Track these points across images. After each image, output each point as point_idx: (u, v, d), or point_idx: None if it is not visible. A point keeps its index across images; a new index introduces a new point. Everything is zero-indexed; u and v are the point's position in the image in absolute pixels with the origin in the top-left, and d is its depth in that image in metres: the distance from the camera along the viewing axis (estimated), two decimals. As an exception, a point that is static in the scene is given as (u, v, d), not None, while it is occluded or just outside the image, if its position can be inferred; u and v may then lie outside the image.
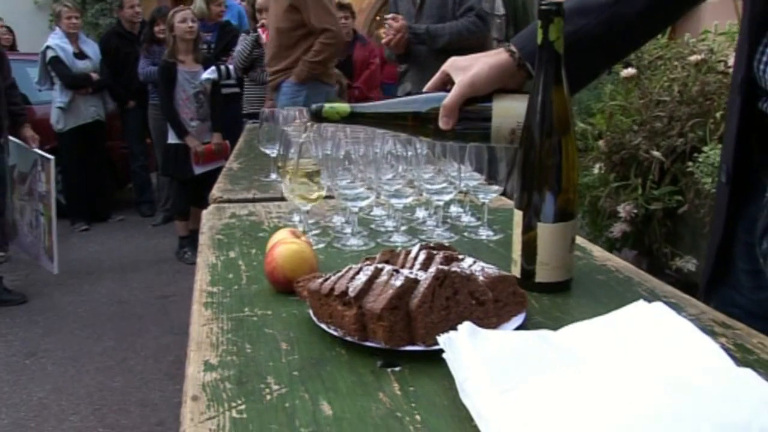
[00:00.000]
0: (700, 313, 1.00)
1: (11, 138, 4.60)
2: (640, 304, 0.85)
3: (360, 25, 12.05)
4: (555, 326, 0.94)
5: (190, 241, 5.23)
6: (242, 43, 5.02)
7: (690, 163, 3.19)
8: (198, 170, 4.95)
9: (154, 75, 5.50)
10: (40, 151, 4.58)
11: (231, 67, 5.41)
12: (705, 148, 3.11)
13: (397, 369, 0.83)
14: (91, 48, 6.41)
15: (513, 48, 1.17)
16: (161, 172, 5.78)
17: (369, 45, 6.48)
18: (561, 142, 1.05)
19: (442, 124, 1.14)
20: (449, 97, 1.14)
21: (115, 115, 6.59)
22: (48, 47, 5.99)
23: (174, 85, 4.93)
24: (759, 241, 1.10)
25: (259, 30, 4.90)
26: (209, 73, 5.04)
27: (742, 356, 0.87)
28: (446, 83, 1.18)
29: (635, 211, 3.46)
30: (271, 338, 0.92)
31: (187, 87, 4.94)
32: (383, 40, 4.01)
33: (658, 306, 0.84)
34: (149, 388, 3.20)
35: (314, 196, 1.36)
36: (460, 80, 1.14)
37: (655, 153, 3.36)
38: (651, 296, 1.07)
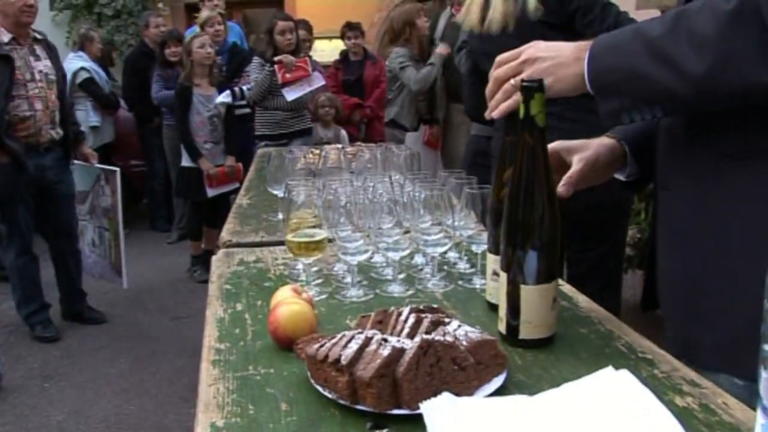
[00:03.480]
0: (672, 370, 1.08)
1: (75, 161, 4.58)
2: (608, 372, 0.93)
3: (372, 39, 12.14)
4: (535, 384, 1.03)
5: (203, 260, 5.34)
6: (258, 73, 5.10)
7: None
8: (211, 193, 5.05)
9: (168, 99, 5.63)
10: (102, 166, 4.62)
11: (245, 88, 5.50)
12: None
13: (385, 430, 0.91)
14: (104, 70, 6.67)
15: (617, 135, 1.33)
16: (175, 193, 5.88)
17: (379, 63, 6.51)
18: (544, 208, 1.13)
19: (562, 191, 1.23)
20: (574, 170, 1.26)
21: (125, 133, 6.77)
22: (82, 68, 6.23)
23: (189, 109, 5.03)
24: None
25: (276, 67, 4.98)
26: (224, 97, 5.13)
27: (705, 417, 0.94)
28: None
29: (638, 235, 3.52)
30: (272, 398, 1.01)
31: (202, 110, 5.04)
32: None
33: (624, 374, 0.91)
34: (164, 411, 3.30)
35: (317, 238, 1.45)
36: (584, 156, 1.25)
37: (658, 179, 3.42)
38: (628, 351, 1.15)
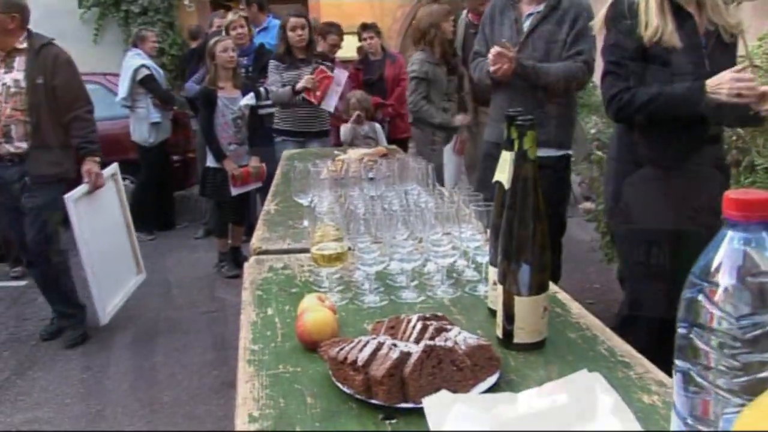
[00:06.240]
0: (645, 372, 1.24)
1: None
2: (583, 374, 1.09)
3: (395, 35, 12.24)
4: (523, 382, 1.21)
5: (229, 256, 5.55)
6: (275, 75, 5.25)
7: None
8: (235, 191, 5.22)
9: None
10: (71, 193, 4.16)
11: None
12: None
13: (394, 421, 1.09)
14: None
15: None
16: (200, 193, 6.05)
17: (398, 61, 6.60)
18: (535, 230, 1.30)
19: None
20: None
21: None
22: (143, 66, 6.50)
23: (214, 111, 5.20)
24: None
25: (304, 95, 5.19)
26: (248, 99, 5.29)
27: (666, 413, 1.10)
28: None
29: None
30: (299, 393, 1.19)
31: (226, 112, 5.20)
32: (492, 69, 3.32)
33: (596, 377, 1.08)
34: (196, 402, 3.50)
35: (339, 250, 1.63)
36: None
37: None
38: (609, 354, 1.31)
